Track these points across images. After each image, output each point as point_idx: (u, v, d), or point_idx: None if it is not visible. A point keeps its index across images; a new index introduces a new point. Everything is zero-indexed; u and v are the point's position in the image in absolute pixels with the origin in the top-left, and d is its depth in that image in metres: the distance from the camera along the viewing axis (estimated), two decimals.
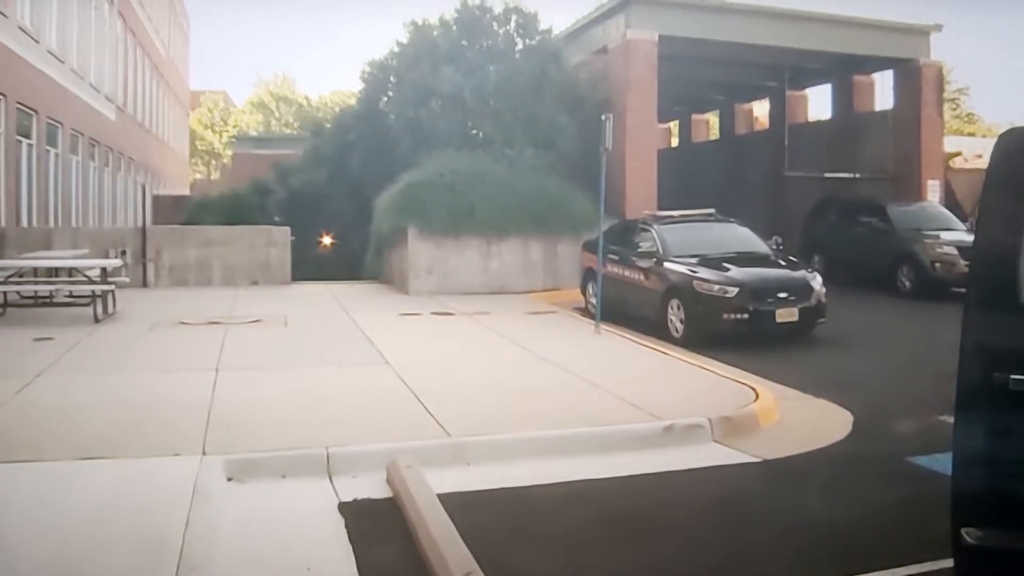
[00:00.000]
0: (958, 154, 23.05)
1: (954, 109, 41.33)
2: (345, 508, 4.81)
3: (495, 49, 18.01)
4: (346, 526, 4.57)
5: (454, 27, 18.19)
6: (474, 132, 17.65)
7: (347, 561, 4.14)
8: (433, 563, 3.97)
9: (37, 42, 17.28)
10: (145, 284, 15.46)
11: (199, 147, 54.19)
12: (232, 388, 7.26)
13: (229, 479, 5.15)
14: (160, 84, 33.46)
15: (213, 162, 56.17)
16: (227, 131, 54.97)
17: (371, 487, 5.11)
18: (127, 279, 13.17)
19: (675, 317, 10.79)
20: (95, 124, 22.22)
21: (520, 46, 18.38)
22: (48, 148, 18.21)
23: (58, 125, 18.88)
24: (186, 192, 38.65)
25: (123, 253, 15.07)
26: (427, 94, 17.37)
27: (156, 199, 28.05)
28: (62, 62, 19.11)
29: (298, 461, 5.39)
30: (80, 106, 20.75)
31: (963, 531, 2.36)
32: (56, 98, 18.64)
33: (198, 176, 53.13)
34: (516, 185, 15.36)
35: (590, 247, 13.03)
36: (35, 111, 17.19)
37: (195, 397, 6.84)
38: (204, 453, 5.42)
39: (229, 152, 50.53)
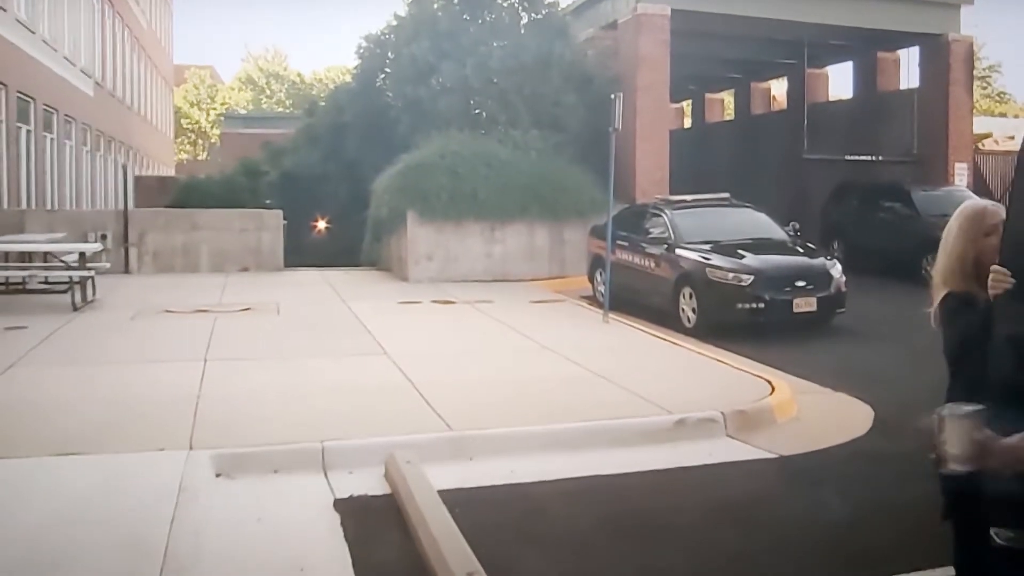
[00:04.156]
0: (988, 135, 22.94)
1: (984, 88, 41.11)
2: (341, 505, 4.82)
3: (499, 24, 17.93)
4: (342, 524, 4.58)
5: (455, 0, 18.11)
6: (477, 112, 17.57)
7: (343, 561, 4.14)
8: (433, 563, 3.98)
9: (4, 10, 17.14)
10: (127, 270, 15.47)
11: (185, 125, 54.14)
12: (221, 380, 7.28)
13: (218, 475, 5.15)
14: (141, 57, 33.27)
15: (200, 141, 56.15)
16: (214, 109, 54.90)
17: (368, 483, 5.12)
18: (108, 264, 13.13)
19: (687, 306, 10.80)
20: (71, 100, 22.11)
21: (525, 20, 18.30)
22: (19, 125, 18.13)
23: (30, 100, 18.78)
24: (171, 173, 38.66)
25: (103, 237, 15.01)
26: (427, 71, 17.29)
27: (139, 180, 27.88)
28: (32, 32, 18.98)
29: (291, 456, 5.40)
30: (54, 80, 20.63)
31: (993, 531, 2.36)
32: (27, 71, 18.51)
33: (184, 156, 53.16)
34: (521, 167, 15.34)
35: (598, 233, 13.03)
36: (4, 85, 17.09)
37: (181, 389, 6.85)
38: (191, 448, 5.42)
39: (217, 131, 50.53)
